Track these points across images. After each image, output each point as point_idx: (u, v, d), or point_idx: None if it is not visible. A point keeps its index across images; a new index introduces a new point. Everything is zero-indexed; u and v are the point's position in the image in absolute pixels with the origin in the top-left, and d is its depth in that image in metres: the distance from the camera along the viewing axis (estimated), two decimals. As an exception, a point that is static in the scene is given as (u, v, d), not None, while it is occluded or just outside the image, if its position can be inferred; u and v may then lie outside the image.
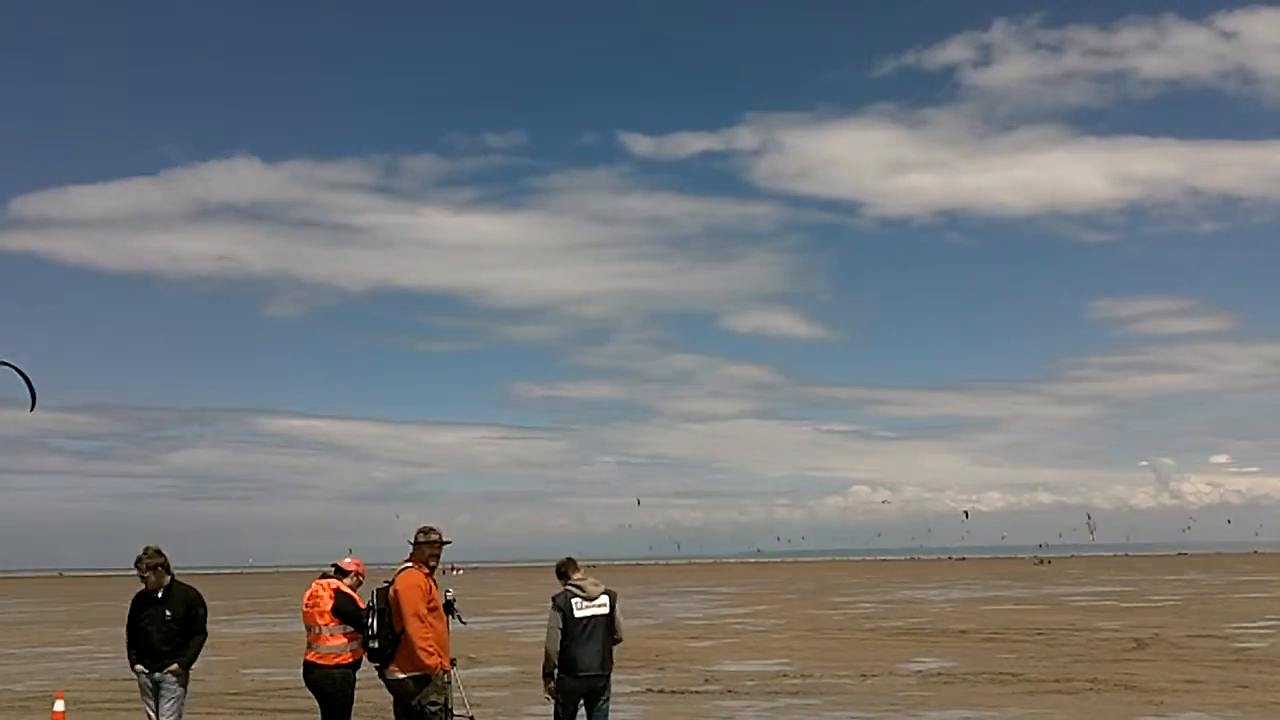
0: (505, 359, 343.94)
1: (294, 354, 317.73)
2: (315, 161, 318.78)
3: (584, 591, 9.18)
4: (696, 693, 16.09)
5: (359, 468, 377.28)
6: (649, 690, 16.24)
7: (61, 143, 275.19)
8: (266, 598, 60.06)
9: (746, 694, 15.92)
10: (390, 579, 8.78)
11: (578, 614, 9.11)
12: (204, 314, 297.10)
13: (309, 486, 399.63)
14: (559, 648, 9.10)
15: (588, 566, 9.72)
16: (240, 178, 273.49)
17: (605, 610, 9.18)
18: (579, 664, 9.08)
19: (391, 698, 9.05)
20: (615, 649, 9.46)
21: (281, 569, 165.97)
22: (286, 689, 16.63)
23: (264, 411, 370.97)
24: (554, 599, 9.21)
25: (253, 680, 18.28)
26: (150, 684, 9.53)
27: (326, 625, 9.39)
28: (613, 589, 9.44)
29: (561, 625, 9.11)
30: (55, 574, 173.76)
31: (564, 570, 9.39)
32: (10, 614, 48.36)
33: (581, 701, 9.23)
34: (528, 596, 54.33)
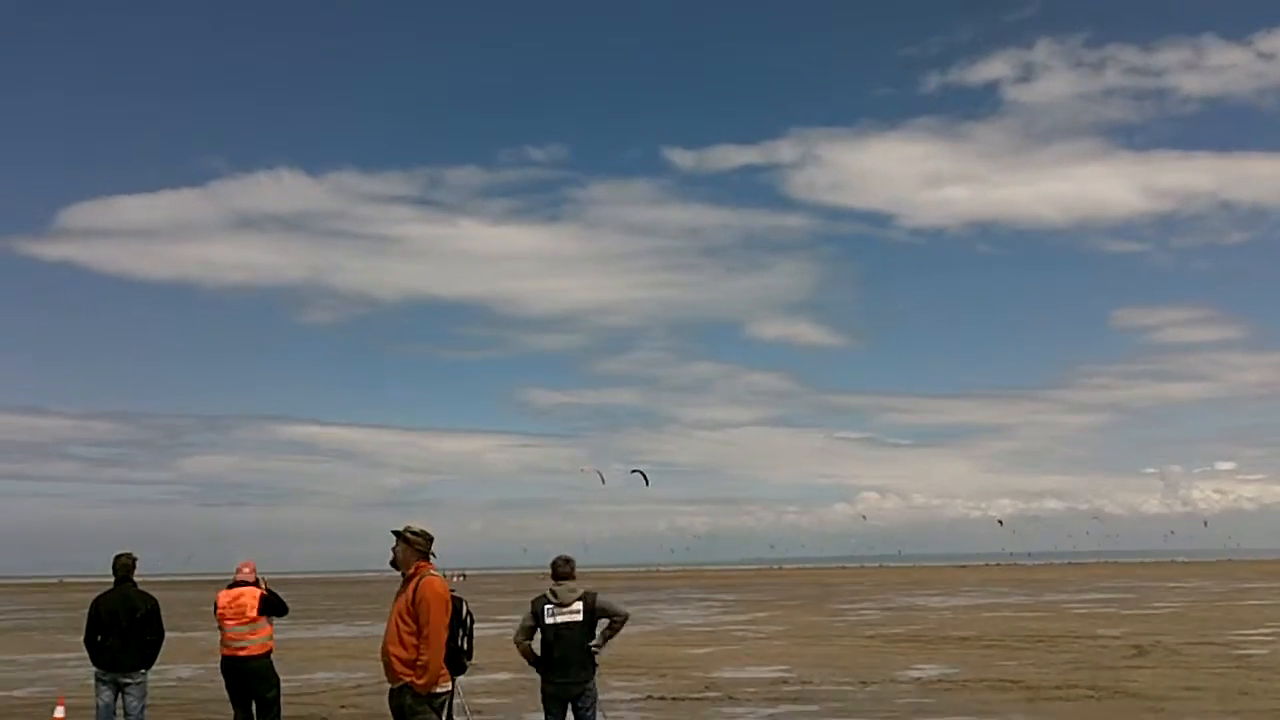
0: (526, 367, 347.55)
1: (320, 362, 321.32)
2: (359, 173, 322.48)
3: (557, 598, 9.27)
4: (697, 699, 16.10)
5: (372, 474, 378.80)
6: (649, 697, 16.24)
7: (110, 154, 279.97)
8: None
9: (747, 701, 15.93)
10: (454, 587, 8.37)
11: (548, 621, 9.22)
12: (237, 322, 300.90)
13: (322, 493, 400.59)
14: (525, 646, 9.34)
15: (590, 572, 9.76)
16: (284, 189, 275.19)
17: (579, 617, 9.21)
18: (553, 671, 9.21)
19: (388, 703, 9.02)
20: (617, 637, 9.57)
21: (290, 575, 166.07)
22: (300, 695, 16.66)
23: (282, 419, 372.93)
24: (531, 601, 9.40)
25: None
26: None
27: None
28: (592, 591, 9.45)
29: (532, 626, 9.29)
30: (55, 580, 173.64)
31: (555, 568, 9.49)
32: (11, 620, 48.35)
33: (569, 707, 9.32)
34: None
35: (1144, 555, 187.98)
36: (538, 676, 9.45)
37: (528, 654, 9.43)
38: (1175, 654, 21.29)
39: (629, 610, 9.92)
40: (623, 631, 9.71)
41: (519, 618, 9.60)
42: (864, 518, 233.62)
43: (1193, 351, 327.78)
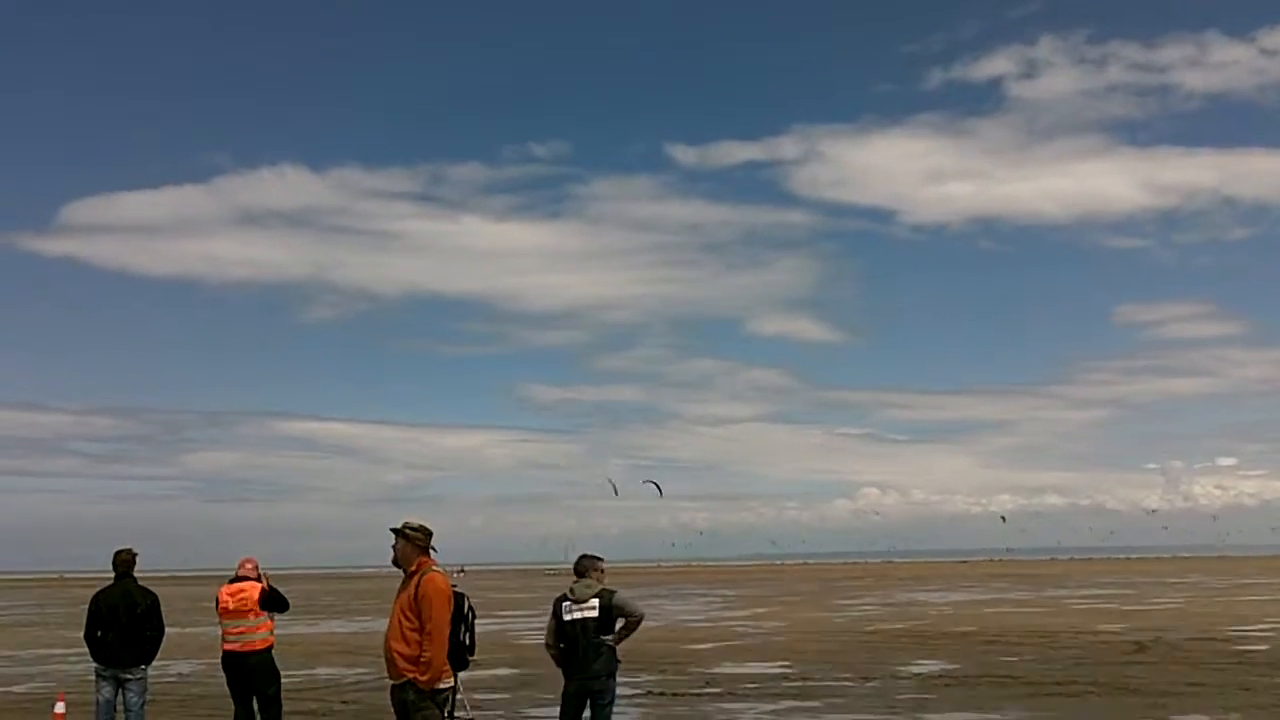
0: (527, 363, 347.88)
1: (321, 358, 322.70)
2: (363, 170, 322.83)
3: (575, 595, 9.31)
4: (697, 695, 16.09)
5: (374, 470, 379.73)
6: (649, 693, 16.24)
7: (113, 151, 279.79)
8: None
9: (747, 696, 15.92)
10: (454, 583, 8.23)
11: (565, 617, 9.27)
12: (239, 318, 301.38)
13: (324, 489, 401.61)
14: (555, 650, 9.36)
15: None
16: (287, 185, 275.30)
17: (594, 613, 9.22)
18: (570, 668, 9.26)
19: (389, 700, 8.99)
20: (635, 634, 9.56)
21: (292, 570, 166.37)
22: (301, 690, 16.66)
23: (283, 415, 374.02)
24: (554, 601, 9.44)
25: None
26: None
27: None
28: (610, 589, 9.46)
29: (555, 628, 9.34)
30: (55, 576, 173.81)
31: (577, 568, 9.52)
32: (12, 615, 48.37)
33: (588, 703, 9.32)
34: (529, 598, 54.32)
35: (1145, 551, 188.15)
36: (539, 672, 9.47)
37: (558, 658, 9.45)
38: (1176, 650, 21.28)
39: (645, 611, 9.92)
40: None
41: (521, 615, 9.64)
42: (876, 515, 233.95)
43: (1194, 347, 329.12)
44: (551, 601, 9.57)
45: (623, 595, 9.48)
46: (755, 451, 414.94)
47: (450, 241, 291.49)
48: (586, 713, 9.34)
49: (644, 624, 9.88)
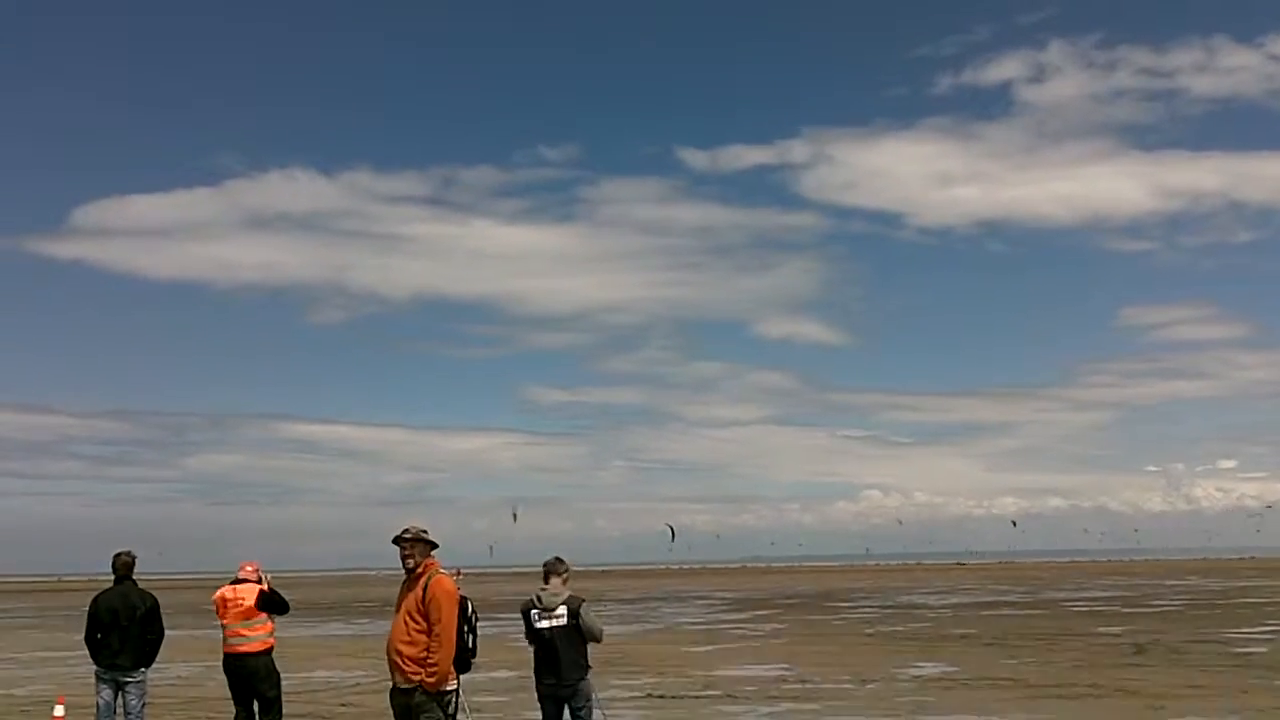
0: (532, 365, 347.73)
1: (328, 361, 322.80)
2: (374, 173, 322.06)
3: (541, 603, 9.20)
4: (696, 698, 16.10)
5: (378, 472, 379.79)
6: (649, 695, 16.24)
7: (123, 153, 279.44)
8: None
9: (746, 699, 15.93)
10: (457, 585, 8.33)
11: (535, 625, 9.20)
12: (247, 321, 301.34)
13: (328, 491, 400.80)
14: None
15: (594, 571, 9.72)
16: (298, 188, 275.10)
17: (563, 621, 9.15)
18: (542, 674, 9.23)
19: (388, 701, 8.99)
20: (597, 650, 9.52)
21: (295, 573, 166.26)
22: (301, 693, 16.66)
23: (289, 417, 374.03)
24: (521, 605, 9.38)
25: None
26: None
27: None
28: (578, 597, 9.33)
29: (526, 634, 9.30)
30: (54, 579, 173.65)
31: (545, 570, 9.44)
32: (11, 619, 48.35)
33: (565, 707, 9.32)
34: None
35: (1145, 553, 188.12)
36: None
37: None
38: (1175, 652, 21.29)
39: (604, 631, 9.74)
40: (618, 631, 9.69)
41: (518, 617, 9.61)
42: (900, 522, 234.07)
43: (1198, 350, 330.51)
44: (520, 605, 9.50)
45: (588, 611, 9.33)
46: (758, 454, 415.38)
47: (460, 245, 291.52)
48: (566, 714, 9.34)
49: (644, 627, 9.87)
